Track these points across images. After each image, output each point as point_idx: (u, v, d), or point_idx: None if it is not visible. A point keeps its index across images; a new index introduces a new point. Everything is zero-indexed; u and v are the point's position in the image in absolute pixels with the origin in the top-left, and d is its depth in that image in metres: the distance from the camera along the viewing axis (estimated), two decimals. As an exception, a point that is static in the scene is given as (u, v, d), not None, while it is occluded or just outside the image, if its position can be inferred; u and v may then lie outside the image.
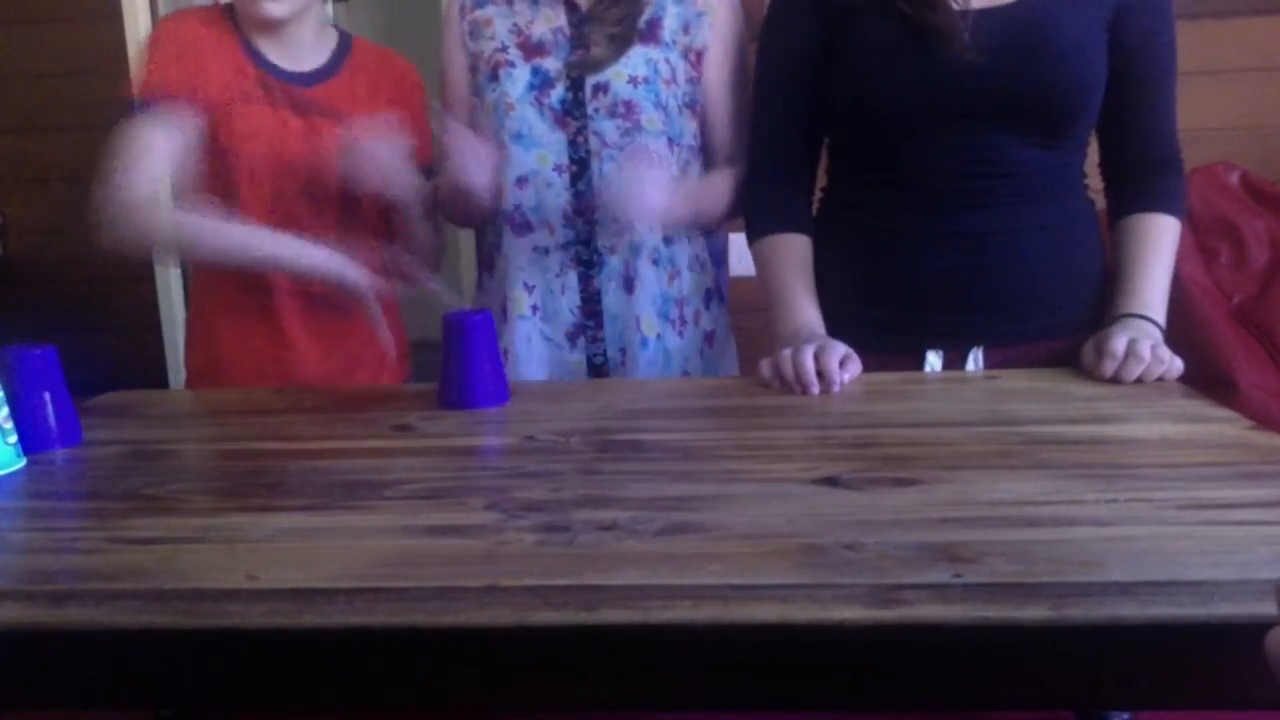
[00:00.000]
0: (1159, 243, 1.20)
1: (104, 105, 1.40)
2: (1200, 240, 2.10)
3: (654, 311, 1.36)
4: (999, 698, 0.69)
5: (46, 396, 1.04)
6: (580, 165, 1.32)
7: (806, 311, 1.21)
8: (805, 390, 1.09)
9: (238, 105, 1.33)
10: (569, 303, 1.36)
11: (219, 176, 1.35)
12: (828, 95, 1.23)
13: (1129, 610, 0.61)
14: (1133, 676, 0.66)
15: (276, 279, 1.36)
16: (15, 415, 1.00)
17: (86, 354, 1.49)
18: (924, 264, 1.21)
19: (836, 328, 1.20)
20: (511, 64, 1.32)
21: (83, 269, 2.54)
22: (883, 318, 1.19)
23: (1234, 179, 2.17)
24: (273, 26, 1.33)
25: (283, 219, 1.35)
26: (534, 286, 1.37)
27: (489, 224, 1.41)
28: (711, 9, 1.33)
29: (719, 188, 1.36)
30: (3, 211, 2.69)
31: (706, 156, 1.40)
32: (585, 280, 1.35)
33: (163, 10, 3.32)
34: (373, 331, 1.30)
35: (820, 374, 1.10)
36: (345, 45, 1.42)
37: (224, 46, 1.34)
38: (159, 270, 2.61)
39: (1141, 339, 1.09)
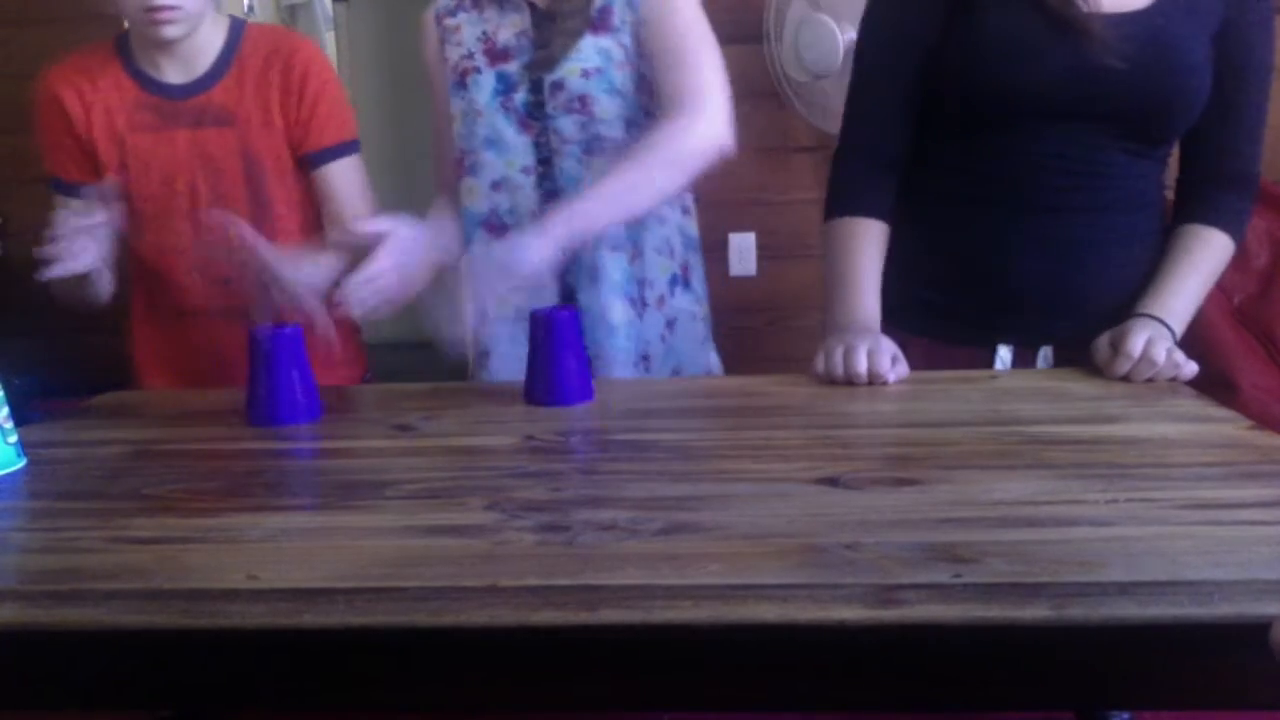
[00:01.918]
0: (1205, 258, 1.19)
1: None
2: (1201, 240, 2.09)
3: (618, 298, 1.36)
4: (999, 698, 0.69)
5: (295, 374, 1.10)
6: (545, 165, 1.33)
7: (866, 304, 1.20)
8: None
9: (126, 137, 1.35)
10: (547, 301, 1.36)
11: (125, 210, 1.38)
12: (933, 77, 1.20)
13: (1129, 610, 0.61)
14: (1133, 676, 0.66)
15: (195, 303, 1.40)
16: (269, 390, 1.09)
17: (86, 354, 1.49)
18: (1007, 265, 1.20)
19: (910, 313, 1.19)
20: (478, 70, 1.32)
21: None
22: (958, 310, 1.19)
23: (1234, 179, 2.16)
24: (170, 46, 1.34)
25: (203, 227, 1.36)
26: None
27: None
28: None
29: (640, 174, 1.24)
30: (2, 211, 2.69)
31: (657, 103, 1.31)
32: (559, 278, 1.35)
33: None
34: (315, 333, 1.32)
35: (871, 377, 1.12)
36: (235, 38, 1.39)
37: (108, 80, 1.37)
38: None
39: (1158, 340, 1.09)
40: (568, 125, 1.30)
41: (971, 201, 1.22)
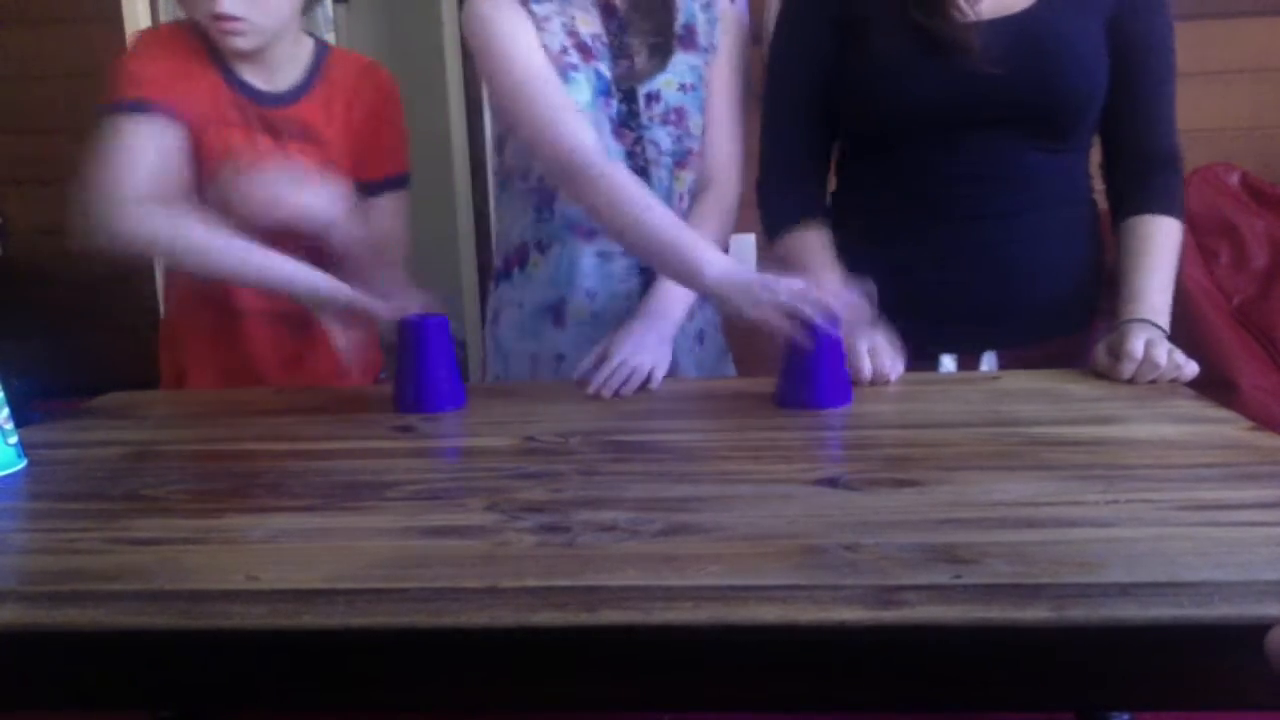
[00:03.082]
0: (1162, 246, 1.19)
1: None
2: (1200, 241, 2.10)
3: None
4: (999, 698, 0.69)
5: (442, 362, 1.12)
6: (641, 175, 1.31)
7: None
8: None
9: (212, 128, 1.33)
10: (632, 309, 1.36)
11: (195, 191, 1.35)
12: (834, 99, 1.24)
13: (1129, 611, 0.61)
14: (1133, 677, 0.66)
15: (247, 302, 1.37)
16: (414, 378, 1.11)
17: (86, 354, 1.49)
18: (937, 278, 1.21)
19: None
20: (574, 67, 1.29)
21: (82, 269, 2.55)
22: (897, 324, 1.19)
23: (1234, 179, 2.17)
24: (245, 57, 1.32)
25: (271, 235, 1.32)
26: (597, 293, 1.37)
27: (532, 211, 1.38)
28: (725, 14, 1.34)
29: (723, 225, 1.37)
30: (2, 211, 2.69)
31: (700, 164, 1.38)
32: (647, 288, 1.34)
33: (163, 12, 3.30)
34: (337, 352, 1.30)
35: (874, 377, 1.12)
36: (321, 57, 1.39)
37: (202, 66, 1.34)
38: (158, 270, 2.62)
39: (1157, 341, 1.10)
40: (663, 137, 1.32)
41: (896, 217, 1.23)
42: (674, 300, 1.29)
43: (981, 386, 1.13)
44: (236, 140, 1.33)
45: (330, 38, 4.93)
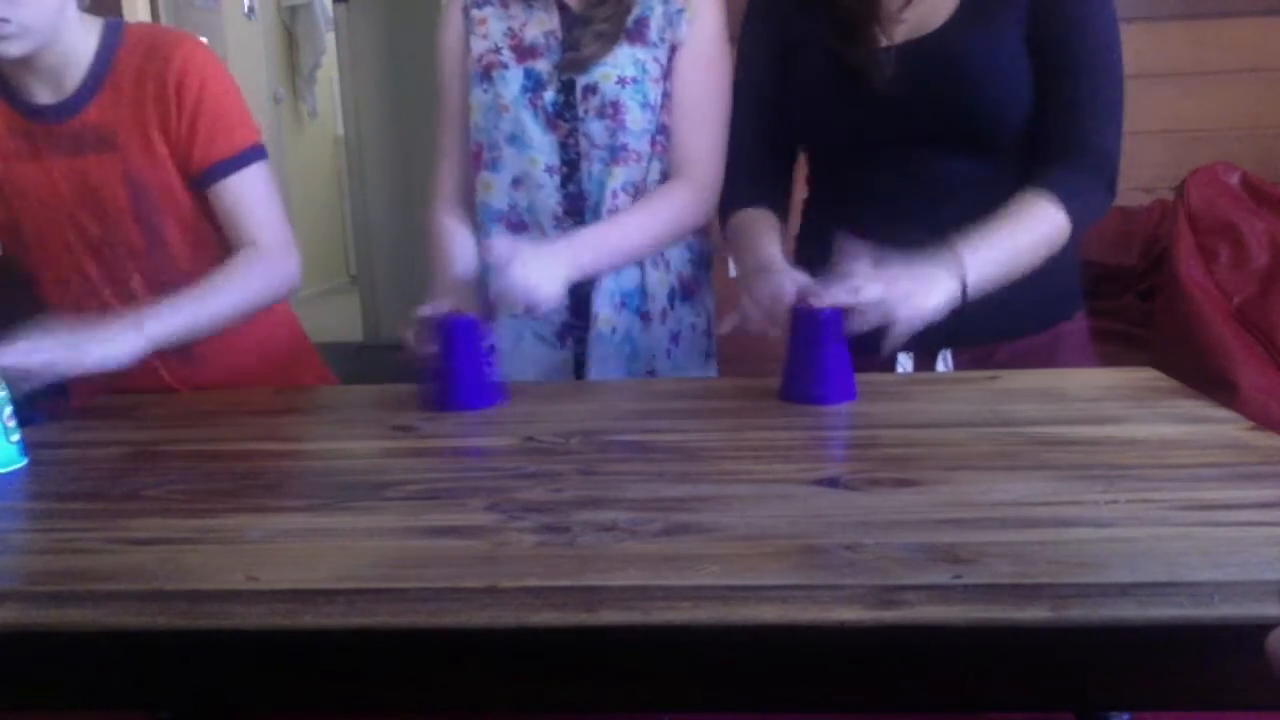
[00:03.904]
0: (1022, 221, 1.13)
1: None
2: (1200, 240, 2.10)
3: (609, 306, 1.36)
4: (999, 698, 0.69)
5: (468, 364, 1.13)
6: (570, 167, 1.33)
7: (769, 248, 1.20)
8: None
9: (3, 165, 1.23)
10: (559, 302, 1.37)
11: (14, 235, 1.29)
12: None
13: (1129, 611, 0.61)
14: (1133, 677, 0.66)
15: None
16: (448, 377, 1.11)
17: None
18: None
19: None
20: (504, 65, 1.32)
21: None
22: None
23: (1234, 179, 2.17)
24: (29, 63, 1.19)
25: (101, 264, 1.27)
26: None
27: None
28: (691, 6, 1.32)
29: (655, 213, 1.32)
30: (3, 212, 2.69)
31: (668, 159, 1.35)
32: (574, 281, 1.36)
33: (163, 10, 3.29)
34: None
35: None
36: (111, 43, 1.23)
37: None
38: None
39: (908, 282, 1.04)
40: (597, 130, 1.31)
41: (842, 223, 1.20)
42: (585, 243, 1.28)
43: (981, 386, 1.13)
44: (30, 176, 1.22)
45: (330, 38, 4.94)
